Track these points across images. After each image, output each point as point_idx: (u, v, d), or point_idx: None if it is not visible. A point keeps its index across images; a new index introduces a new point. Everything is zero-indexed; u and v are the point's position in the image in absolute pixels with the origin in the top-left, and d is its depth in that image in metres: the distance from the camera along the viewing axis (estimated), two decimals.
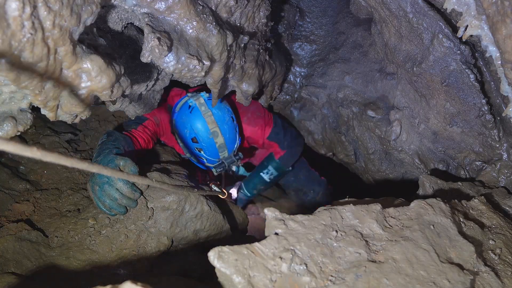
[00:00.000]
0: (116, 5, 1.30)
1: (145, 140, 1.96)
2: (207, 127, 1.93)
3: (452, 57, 1.71)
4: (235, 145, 2.08)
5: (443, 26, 1.68)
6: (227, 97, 2.32)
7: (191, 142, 1.99)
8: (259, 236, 2.17)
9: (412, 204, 1.12)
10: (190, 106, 1.95)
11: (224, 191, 1.92)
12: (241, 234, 2.01)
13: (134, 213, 1.47)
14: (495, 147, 1.74)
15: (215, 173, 2.11)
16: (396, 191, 2.09)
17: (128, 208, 1.46)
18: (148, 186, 1.52)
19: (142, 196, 1.49)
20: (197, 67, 1.47)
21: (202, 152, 2.02)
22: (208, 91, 2.03)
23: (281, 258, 0.85)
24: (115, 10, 1.33)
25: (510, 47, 1.16)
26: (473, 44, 1.71)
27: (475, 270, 0.99)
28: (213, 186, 1.91)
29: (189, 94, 2.02)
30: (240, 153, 2.10)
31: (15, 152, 0.54)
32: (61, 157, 0.62)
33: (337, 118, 2.65)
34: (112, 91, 1.14)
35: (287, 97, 2.99)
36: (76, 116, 1.17)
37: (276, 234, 0.92)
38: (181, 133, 2.01)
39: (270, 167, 2.45)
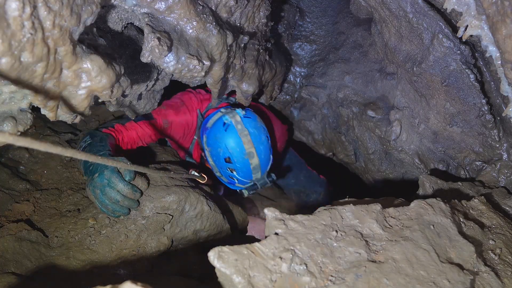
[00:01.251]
0: (116, 5, 1.30)
1: (133, 139, 1.89)
2: (243, 147, 1.79)
3: (452, 57, 1.71)
4: (268, 166, 1.96)
5: (443, 26, 1.68)
6: (257, 108, 2.25)
7: (224, 162, 1.86)
8: (259, 236, 2.17)
9: (412, 204, 1.12)
10: (225, 123, 1.81)
11: (204, 175, 1.84)
12: (241, 234, 2.01)
13: (134, 213, 1.48)
14: (495, 147, 1.74)
15: (246, 195, 1.99)
16: (396, 191, 2.09)
17: (130, 208, 1.46)
18: (148, 186, 1.52)
19: (142, 196, 1.50)
20: (197, 67, 1.47)
21: (234, 172, 1.89)
22: (242, 107, 1.94)
23: (281, 258, 0.85)
24: (115, 10, 1.33)
25: (510, 47, 1.16)
26: (473, 44, 1.71)
27: (475, 270, 0.99)
28: (192, 171, 1.81)
29: (222, 110, 1.88)
30: (272, 174, 1.98)
31: None
32: (34, 142, 0.60)
33: (337, 118, 2.65)
34: (112, 91, 1.14)
35: (287, 97, 2.99)
36: (76, 116, 1.17)
37: (276, 234, 0.92)
38: (213, 152, 1.88)
39: None
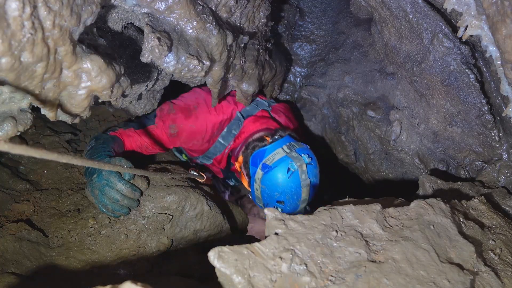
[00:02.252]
0: (116, 5, 1.30)
1: (138, 145, 1.86)
2: (300, 196, 1.74)
3: (452, 57, 1.71)
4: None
5: (443, 26, 1.68)
6: (283, 111, 2.21)
7: (275, 201, 1.79)
8: (259, 236, 2.17)
9: (412, 204, 1.12)
10: (289, 169, 1.71)
11: (203, 174, 1.82)
12: (241, 234, 2.01)
13: (134, 213, 1.48)
14: (495, 147, 1.74)
15: None
16: (396, 191, 2.09)
17: (130, 208, 1.46)
18: (148, 186, 1.52)
19: (142, 196, 1.50)
20: (197, 67, 1.47)
21: (279, 209, 1.86)
22: (295, 138, 1.87)
23: (281, 258, 0.85)
24: (115, 10, 1.33)
25: (510, 47, 1.16)
26: (473, 44, 1.71)
27: (475, 270, 0.99)
28: (191, 171, 1.79)
29: (287, 149, 1.75)
30: (308, 207, 1.91)
31: None
32: (29, 150, 0.60)
33: (337, 118, 2.65)
34: (112, 91, 1.14)
35: (287, 97, 2.99)
36: (76, 116, 1.17)
37: (276, 234, 0.92)
38: (267, 191, 1.77)
39: None
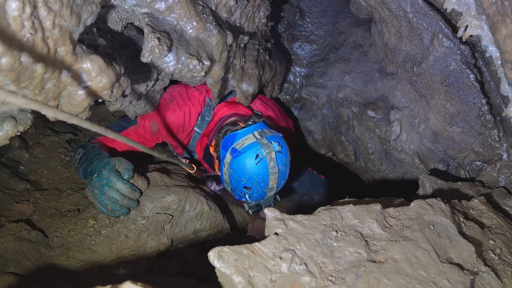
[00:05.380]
0: (116, 5, 1.30)
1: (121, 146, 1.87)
2: (267, 184, 1.73)
3: (452, 57, 1.71)
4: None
5: (443, 26, 1.68)
6: (268, 106, 2.21)
7: (241, 187, 1.77)
8: (259, 236, 2.16)
9: (412, 204, 1.12)
10: (258, 155, 1.68)
11: (193, 166, 1.80)
12: (241, 234, 2.01)
13: (134, 213, 1.48)
14: (495, 147, 1.74)
15: (250, 213, 1.91)
16: (396, 191, 2.09)
17: (129, 208, 1.46)
18: (148, 186, 1.52)
19: (142, 196, 1.50)
20: (197, 67, 1.47)
21: (247, 195, 1.80)
22: (257, 117, 1.86)
23: (281, 258, 0.85)
24: (115, 10, 1.33)
25: (510, 47, 1.16)
26: (473, 44, 1.71)
27: (475, 270, 0.99)
28: (182, 160, 1.77)
29: (257, 135, 1.73)
30: (277, 196, 1.91)
31: None
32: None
33: (337, 118, 2.65)
34: (112, 91, 1.14)
35: (287, 97, 2.99)
36: (76, 116, 1.17)
37: (276, 234, 0.92)
38: (234, 176, 1.76)
39: None
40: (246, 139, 1.73)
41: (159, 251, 1.46)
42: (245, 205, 1.88)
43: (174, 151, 2.25)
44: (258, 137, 1.72)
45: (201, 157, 2.21)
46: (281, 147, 1.72)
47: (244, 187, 1.75)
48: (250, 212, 1.88)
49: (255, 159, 1.67)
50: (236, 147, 1.73)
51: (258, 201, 1.85)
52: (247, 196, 1.79)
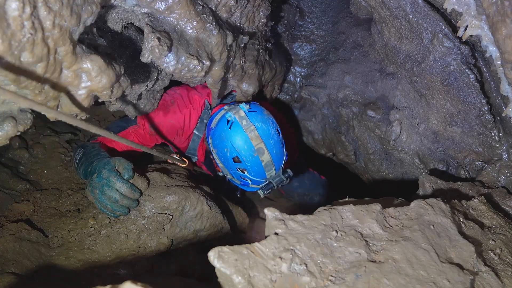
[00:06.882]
0: (116, 5, 1.30)
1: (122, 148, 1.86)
2: (250, 144, 1.64)
3: (452, 57, 1.71)
4: (283, 161, 1.78)
5: (443, 26, 1.68)
6: (265, 106, 2.22)
7: (233, 162, 1.72)
8: (259, 236, 2.15)
9: (412, 204, 1.12)
10: (229, 120, 1.67)
11: (184, 159, 1.79)
12: (241, 234, 2.01)
13: (134, 213, 1.48)
14: (495, 147, 1.74)
15: (262, 196, 1.82)
16: (396, 191, 2.09)
17: (129, 208, 1.46)
18: (148, 186, 1.52)
19: (142, 196, 1.50)
20: (197, 67, 1.47)
21: (245, 172, 1.74)
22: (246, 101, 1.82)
23: (281, 258, 0.85)
24: (115, 10, 1.33)
25: (510, 47, 1.17)
26: (473, 44, 1.71)
27: (475, 270, 0.99)
28: (174, 155, 1.75)
29: (226, 107, 1.74)
30: (289, 170, 1.81)
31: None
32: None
33: (337, 118, 2.65)
34: (112, 91, 1.14)
35: (287, 97, 2.99)
36: (76, 116, 1.17)
37: (276, 234, 0.92)
38: (220, 153, 1.74)
39: None
40: (218, 115, 1.77)
41: (159, 251, 1.46)
42: (260, 192, 1.79)
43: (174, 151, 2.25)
44: (227, 107, 1.75)
45: (201, 161, 2.21)
46: (251, 107, 1.71)
47: (234, 160, 1.71)
48: (262, 194, 1.79)
49: (227, 124, 1.68)
50: (212, 127, 1.78)
51: (267, 179, 1.77)
52: (246, 173, 1.74)
